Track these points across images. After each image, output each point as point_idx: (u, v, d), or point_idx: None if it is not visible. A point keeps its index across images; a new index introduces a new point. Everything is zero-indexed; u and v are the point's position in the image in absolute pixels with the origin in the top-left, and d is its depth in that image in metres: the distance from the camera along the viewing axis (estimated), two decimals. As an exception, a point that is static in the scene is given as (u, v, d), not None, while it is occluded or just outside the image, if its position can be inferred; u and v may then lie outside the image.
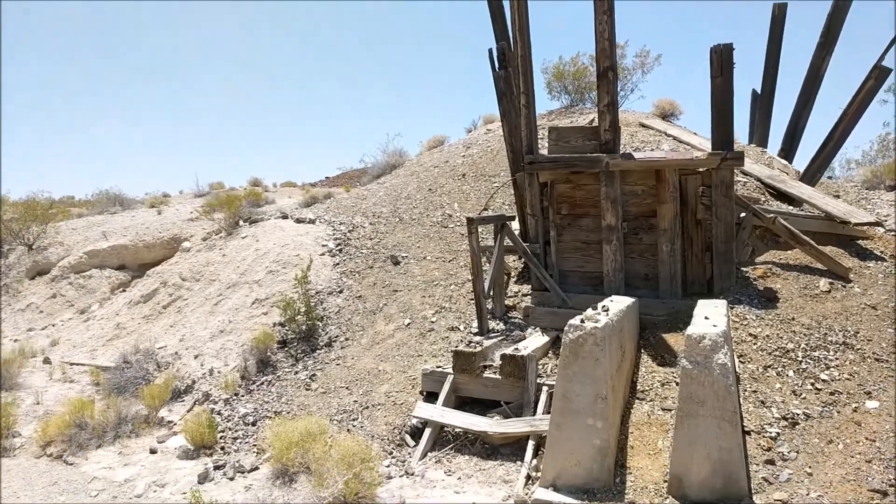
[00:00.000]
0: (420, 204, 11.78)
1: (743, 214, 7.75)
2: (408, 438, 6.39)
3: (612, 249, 7.86)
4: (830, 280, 7.19)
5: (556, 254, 8.25)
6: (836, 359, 6.05)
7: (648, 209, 7.84)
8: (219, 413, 7.15)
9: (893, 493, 4.60)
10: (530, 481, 5.58)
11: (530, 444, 5.86)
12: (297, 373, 7.74)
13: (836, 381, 5.80)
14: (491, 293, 8.00)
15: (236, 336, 8.66)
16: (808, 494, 4.67)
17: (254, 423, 6.88)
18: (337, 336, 8.28)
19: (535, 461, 5.74)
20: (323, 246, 10.33)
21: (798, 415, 5.47)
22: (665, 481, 5.05)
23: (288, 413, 6.95)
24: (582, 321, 5.38)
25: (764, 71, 11.86)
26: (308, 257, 9.78)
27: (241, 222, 12.10)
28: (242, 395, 7.46)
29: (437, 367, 6.93)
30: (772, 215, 7.63)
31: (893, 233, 8.51)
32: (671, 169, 7.54)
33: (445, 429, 6.39)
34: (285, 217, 11.64)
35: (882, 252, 7.70)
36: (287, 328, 8.44)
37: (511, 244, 8.22)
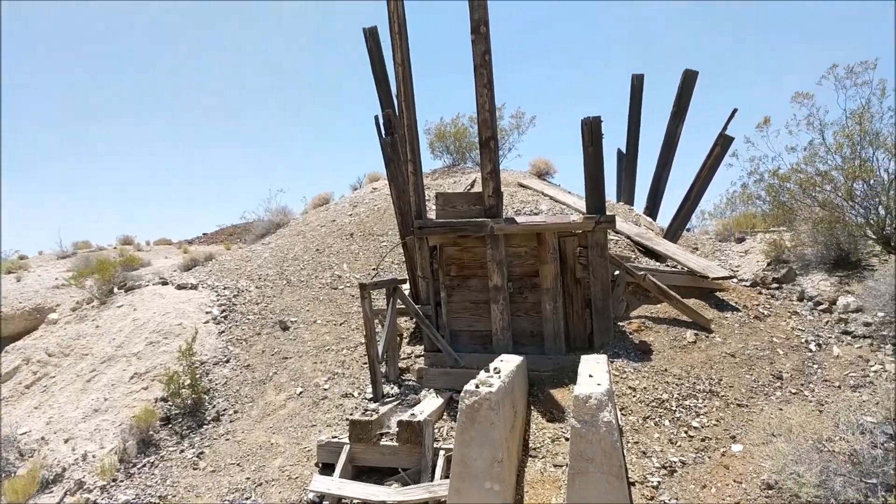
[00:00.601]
0: (308, 265, 11.69)
1: (617, 272, 8.33)
2: (305, 514, 6.24)
3: (500, 309, 8.18)
4: (696, 331, 7.85)
5: (447, 314, 8.46)
6: (705, 406, 6.60)
7: (531, 269, 8.26)
8: (95, 503, 6.65)
9: (761, 532, 5.05)
10: (431, 549, 5.61)
11: (430, 511, 5.90)
12: (182, 451, 7.37)
13: (705, 428, 6.31)
14: (385, 357, 8.05)
15: (113, 415, 8.12)
16: (689, 540, 5.02)
17: (136, 511, 6.45)
18: (225, 409, 7.98)
19: (435, 528, 5.78)
20: (207, 313, 9.97)
21: (675, 462, 5.89)
22: (561, 538, 5.25)
23: (174, 496, 6.58)
24: (477, 386, 5.56)
25: (627, 135, 12.92)
26: (192, 326, 9.41)
27: (115, 290, 11.43)
28: (122, 481, 6.98)
29: (333, 438, 6.84)
30: (642, 273, 8.27)
31: (744, 283, 9.44)
32: (551, 232, 8.03)
33: (343, 501, 6.29)
34: (165, 283, 11.14)
35: (736, 302, 8.52)
36: (171, 403, 8.03)
37: (403, 306, 8.36)
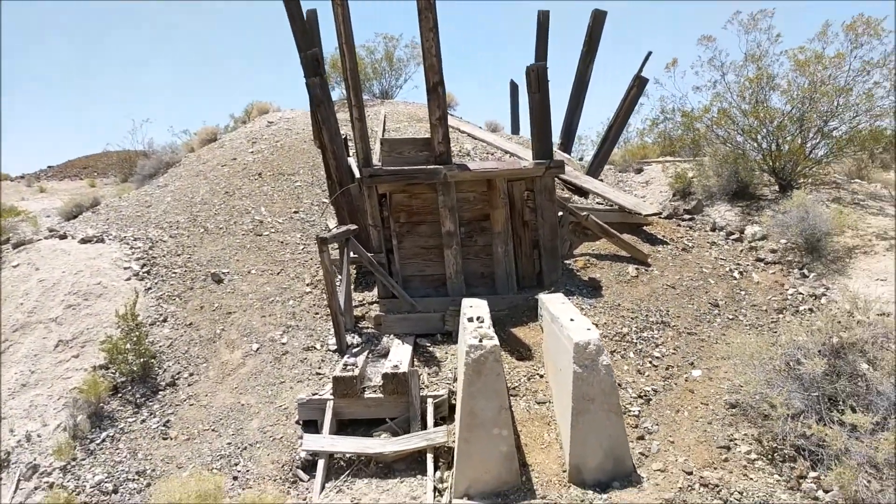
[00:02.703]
0: (221, 210, 11.06)
1: (561, 213, 8.72)
2: (300, 474, 6.24)
3: (453, 253, 8.33)
4: (636, 266, 8.50)
5: (399, 261, 8.48)
6: (661, 336, 7.27)
7: (481, 214, 8.44)
8: (62, 486, 6.21)
9: (734, 446, 5.79)
10: (438, 493, 5.88)
11: (430, 458, 6.13)
12: (143, 421, 6.98)
13: (666, 357, 6.99)
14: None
15: (46, 388, 7.46)
16: (677, 460, 5.66)
17: (115, 491, 6.11)
18: (179, 372, 7.59)
19: (437, 473, 6.04)
20: (126, 269, 9.22)
21: (648, 391, 6.52)
22: (564, 471, 5.69)
23: (153, 471, 6.30)
24: (480, 340, 5.74)
25: (536, 70, 13.12)
26: (114, 285, 8.70)
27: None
28: (83, 460, 6.53)
29: (314, 395, 6.80)
30: (585, 213, 8.73)
31: (660, 216, 10.23)
32: (502, 177, 8.20)
33: (335, 456, 6.36)
34: (64, 237, 10.06)
35: (664, 236, 9.27)
36: (114, 371, 7.50)
37: (355, 256, 8.26)
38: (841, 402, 5.88)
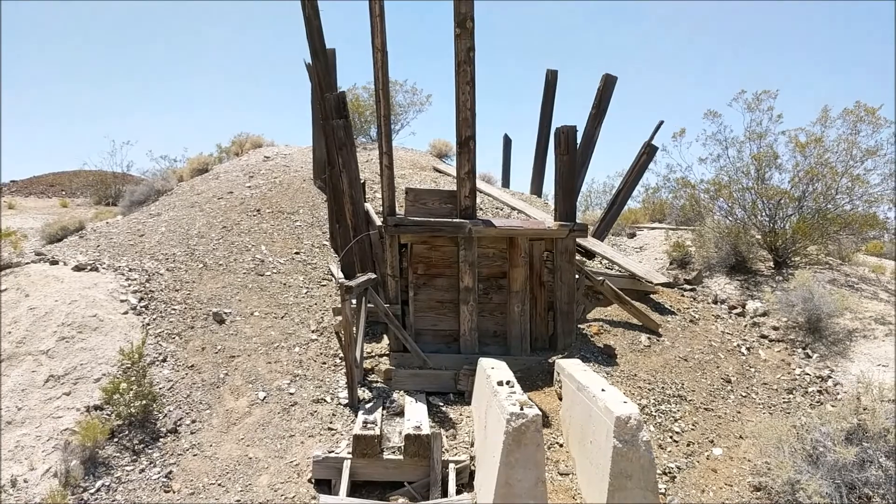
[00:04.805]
0: (220, 245, 10.74)
1: (577, 276, 8.74)
2: (316, 538, 5.94)
3: (469, 310, 8.23)
4: (648, 335, 8.53)
5: (413, 313, 8.33)
6: (679, 411, 7.26)
7: (499, 271, 8.40)
8: (56, 540, 5.76)
9: (763, 532, 5.76)
10: (462, 567, 5.66)
11: (454, 528, 5.92)
12: (143, 470, 6.56)
13: (686, 433, 6.96)
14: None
15: (34, 427, 6.98)
16: (708, 544, 5.59)
17: (116, 548, 5.70)
18: (181, 418, 7.21)
19: (461, 544, 5.82)
20: (122, 301, 8.81)
21: (672, 468, 6.46)
22: (595, 550, 5.57)
23: (157, 527, 5.90)
24: (521, 408, 5.62)
25: (539, 130, 13.33)
26: (110, 318, 8.29)
27: (-17, 267, 9.63)
28: (77, 511, 6.09)
29: (330, 453, 6.52)
30: (600, 278, 8.76)
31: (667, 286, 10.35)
32: (524, 236, 8.19)
33: (351, 520, 6.07)
34: (55, 262, 9.59)
35: (671, 306, 9.36)
36: (111, 412, 7.08)
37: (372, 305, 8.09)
38: (858, 490, 5.95)
